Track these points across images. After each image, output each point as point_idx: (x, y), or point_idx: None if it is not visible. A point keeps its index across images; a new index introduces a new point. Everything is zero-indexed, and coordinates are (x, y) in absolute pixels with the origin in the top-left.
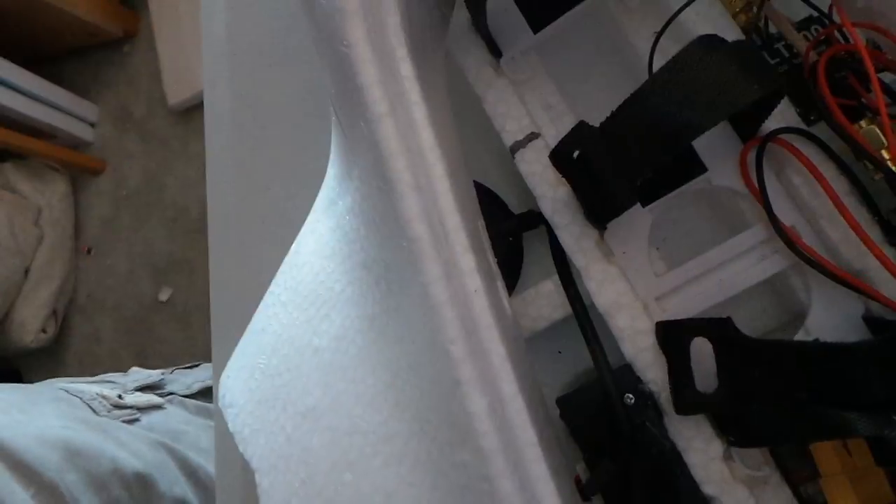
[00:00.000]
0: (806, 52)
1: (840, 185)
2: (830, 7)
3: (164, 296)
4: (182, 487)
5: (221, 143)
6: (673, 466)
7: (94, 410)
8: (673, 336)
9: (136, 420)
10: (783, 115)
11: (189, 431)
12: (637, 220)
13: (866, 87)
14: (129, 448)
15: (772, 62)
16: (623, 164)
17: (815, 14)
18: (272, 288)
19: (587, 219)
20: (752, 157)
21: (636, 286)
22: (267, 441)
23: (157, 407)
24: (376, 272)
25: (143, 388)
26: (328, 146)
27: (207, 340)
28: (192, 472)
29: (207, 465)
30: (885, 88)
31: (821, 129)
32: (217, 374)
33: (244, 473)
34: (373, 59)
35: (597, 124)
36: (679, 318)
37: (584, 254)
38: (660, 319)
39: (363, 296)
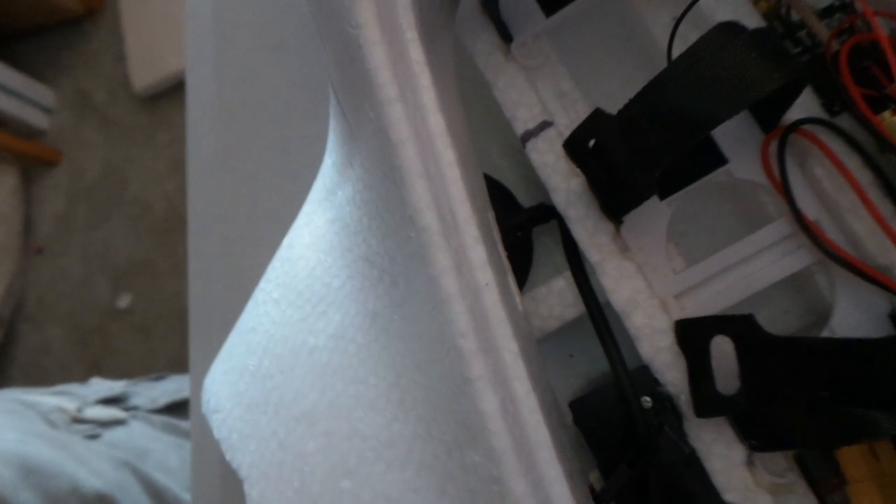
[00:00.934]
0: (828, 40)
1: (864, 177)
2: None
3: (122, 302)
4: None
5: (205, 130)
6: (692, 472)
7: (51, 424)
8: (692, 335)
9: (98, 436)
10: (806, 105)
11: (155, 450)
12: (655, 214)
13: (889, 77)
14: (89, 466)
15: (794, 51)
16: (641, 154)
17: (838, 3)
18: (263, 284)
19: (602, 212)
20: (773, 148)
21: (654, 283)
22: (257, 447)
23: (120, 422)
24: (380, 265)
25: (105, 401)
26: (323, 133)
27: (170, 353)
28: (157, 494)
29: (175, 486)
30: None
31: (844, 121)
32: (196, 381)
33: (223, 493)
34: (382, 42)
35: (613, 112)
36: (699, 315)
37: (599, 249)
38: (679, 317)
39: (365, 291)
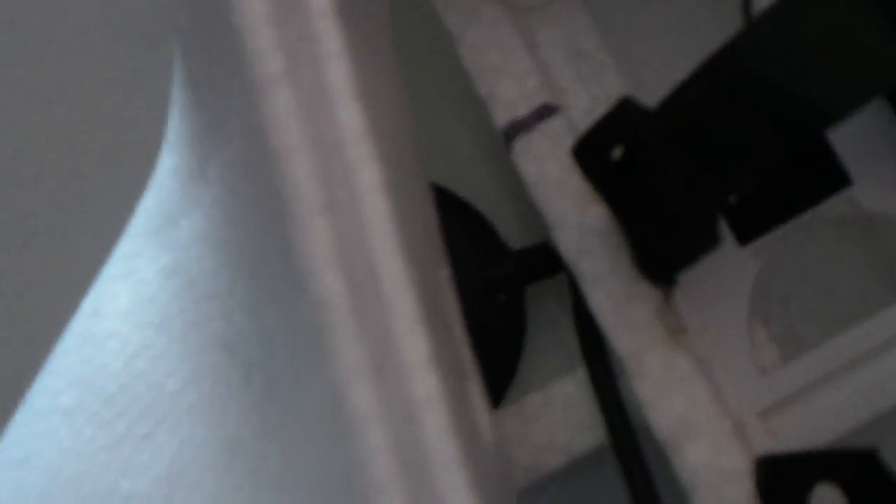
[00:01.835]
0: None
1: None
2: None
3: None
4: None
5: None
6: None
7: None
8: (786, 481)
9: None
10: None
11: None
12: (729, 271)
13: None
14: None
15: None
16: (703, 169)
17: None
18: (44, 381)
19: (639, 266)
20: None
21: (725, 391)
22: None
23: None
24: (247, 358)
25: None
26: (154, 109)
27: None
28: None
29: None
30: None
31: None
32: None
33: None
34: None
35: (656, 99)
36: (797, 448)
37: (634, 331)
38: (765, 451)
39: (220, 402)
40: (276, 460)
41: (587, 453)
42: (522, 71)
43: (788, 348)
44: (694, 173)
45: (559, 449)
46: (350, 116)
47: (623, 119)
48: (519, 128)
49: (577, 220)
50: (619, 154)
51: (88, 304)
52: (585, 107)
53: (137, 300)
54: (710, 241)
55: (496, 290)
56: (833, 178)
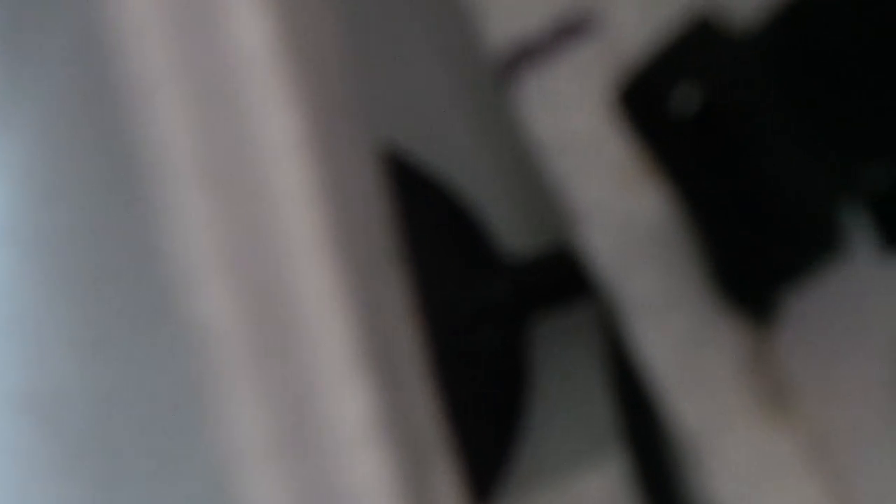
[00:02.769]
0: None
1: None
2: None
3: None
4: None
5: None
6: None
7: None
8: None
9: None
10: None
11: None
12: (868, 300)
13: None
14: None
15: None
16: (829, 128)
17: None
18: None
19: (720, 283)
20: None
21: (859, 495)
22: None
23: None
24: (64, 426)
25: None
26: None
27: None
28: None
29: None
30: None
31: None
32: None
33: None
34: None
35: (749, 15)
36: None
37: (708, 395)
38: None
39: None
40: None
41: None
42: None
43: None
44: (813, 133)
45: None
46: (251, 29)
47: (702, 46)
48: (527, 54)
49: (618, 208)
50: (695, 103)
51: None
52: (635, 23)
53: None
54: (832, 240)
55: (483, 323)
56: None
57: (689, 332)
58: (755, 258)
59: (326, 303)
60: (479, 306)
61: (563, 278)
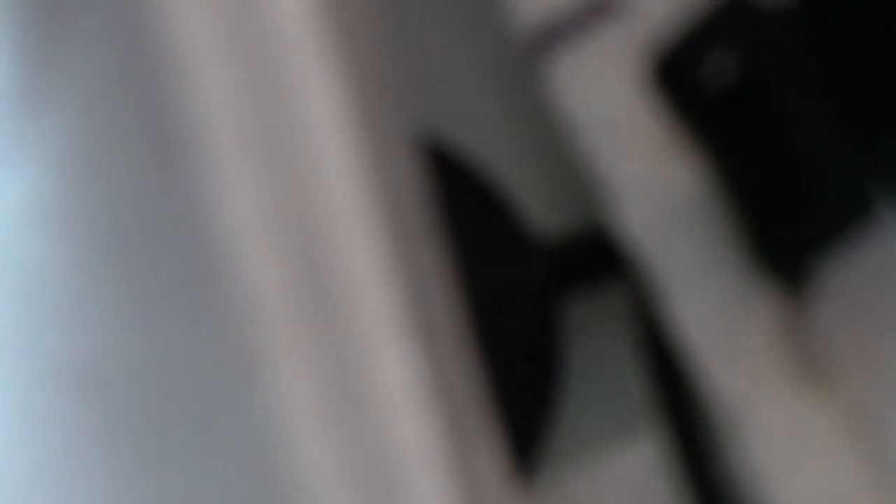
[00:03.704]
0: None
1: None
2: None
3: None
4: None
5: None
6: None
7: None
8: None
9: None
10: None
11: None
12: None
13: None
14: None
15: None
16: (865, 98)
17: None
18: None
19: (758, 252)
20: None
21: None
22: None
23: None
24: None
25: None
26: None
27: None
28: None
29: None
30: None
31: None
32: None
33: None
34: None
35: None
36: None
37: (746, 367)
38: None
39: (70, 472)
40: None
41: None
42: None
43: None
44: (844, 106)
45: None
46: (291, 8)
47: (737, 19)
48: (557, 33)
49: (653, 183)
50: (732, 75)
51: None
52: (665, 1)
53: None
54: (860, 206)
55: (516, 304)
56: None
57: (725, 302)
58: (789, 226)
59: (372, 268)
60: (512, 288)
61: (594, 258)
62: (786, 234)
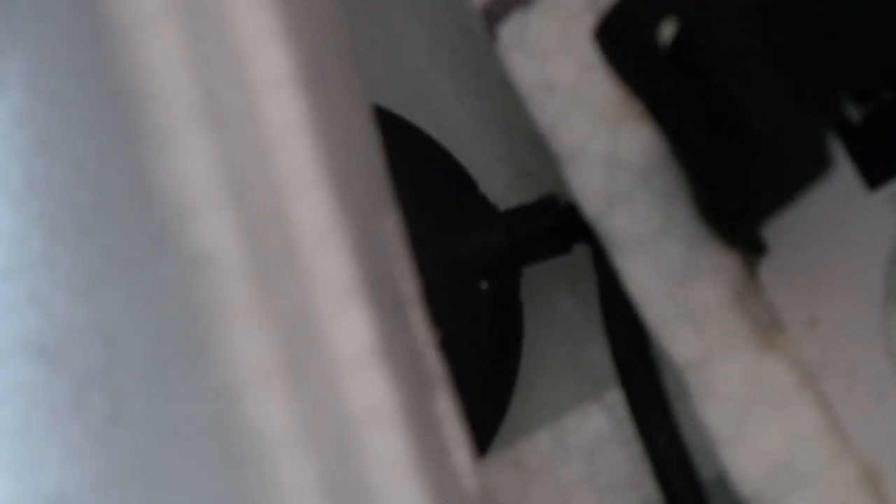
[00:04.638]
0: None
1: None
2: None
3: None
4: None
5: None
6: None
7: None
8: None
9: None
10: None
11: None
12: (854, 232)
13: None
14: None
15: None
16: (807, 51)
17: None
18: None
19: (706, 215)
20: None
21: (848, 420)
22: None
23: None
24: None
25: None
26: None
27: None
28: None
29: None
30: None
31: None
32: None
33: None
34: None
35: None
36: None
37: (700, 325)
38: None
39: (33, 441)
40: None
41: None
42: None
43: None
44: (789, 63)
45: None
46: None
47: None
48: (507, 2)
49: (603, 147)
50: (670, 34)
51: None
52: None
53: None
54: (816, 165)
55: (477, 272)
56: None
57: (679, 264)
58: (738, 187)
59: (324, 231)
60: (472, 256)
61: (555, 224)
62: (735, 196)
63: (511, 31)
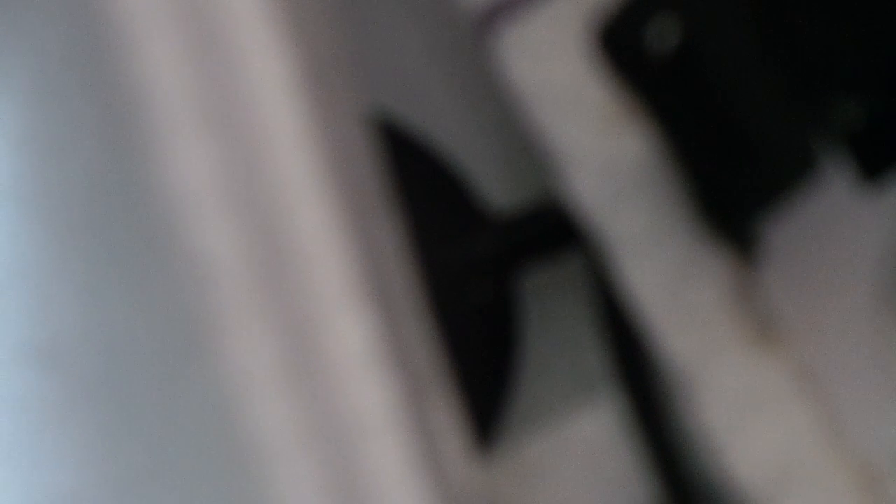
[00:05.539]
0: None
1: None
2: None
3: None
4: None
5: None
6: None
7: None
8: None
9: None
10: None
11: None
12: (850, 235)
13: None
14: None
15: None
16: (804, 61)
17: None
18: None
19: (703, 213)
20: None
21: (845, 422)
22: None
23: None
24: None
25: None
26: None
27: None
28: None
29: None
30: None
31: None
32: None
33: None
34: None
35: None
36: None
37: (697, 327)
38: None
39: (31, 447)
40: None
41: None
42: None
43: None
44: (788, 69)
45: None
46: None
47: None
48: (505, 5)
49: (601, 151)
50: (672, 40)
51: None
52: None
53: None
54: (801, 165)
55: (472, 279)
56: None
57: (675, 267)
58: (734, 190)
59: (324, 234)
60: (467, 263)
61: (548, 230)
62: (733, 197)
63: (507, 37)
